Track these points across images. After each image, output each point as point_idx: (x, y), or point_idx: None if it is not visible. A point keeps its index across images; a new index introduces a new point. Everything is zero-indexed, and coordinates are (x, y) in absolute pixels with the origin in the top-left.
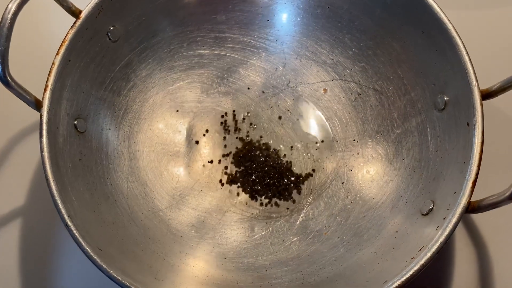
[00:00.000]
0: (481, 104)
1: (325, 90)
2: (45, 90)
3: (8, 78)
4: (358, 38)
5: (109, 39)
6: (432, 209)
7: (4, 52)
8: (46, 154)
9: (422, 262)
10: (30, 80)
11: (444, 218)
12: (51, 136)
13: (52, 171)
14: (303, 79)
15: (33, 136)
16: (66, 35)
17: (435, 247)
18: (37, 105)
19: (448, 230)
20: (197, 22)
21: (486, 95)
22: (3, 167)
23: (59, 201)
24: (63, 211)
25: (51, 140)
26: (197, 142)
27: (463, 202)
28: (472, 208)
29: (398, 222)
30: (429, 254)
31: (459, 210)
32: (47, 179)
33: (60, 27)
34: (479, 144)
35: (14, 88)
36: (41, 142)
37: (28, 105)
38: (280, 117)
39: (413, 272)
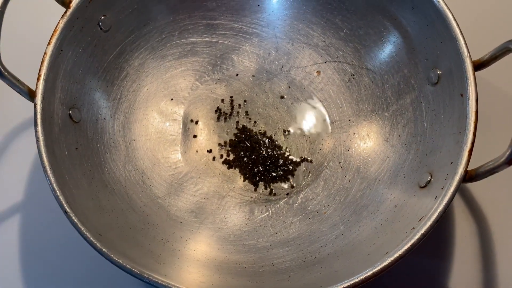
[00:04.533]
0: (474, 74)
1: (318, 72)
2: (38, 79)
3: (1, 68)
4: (349, 18)
5: (101, 28)
6: (430, 181)
7: None
8: (41, 143)
9: (422, 231)
10: (23, 71)
11: (442, 188)
12: (46, 125)
13: (49, 159)
14: (296, 62)
15: (29, 132)
16: (57, 25)
17: (435, 216)
18: (30, 95)
19: (446, 199)
20: (188, 9)
21: (478, 65)
22: (0, 162)
23: (56, 188)
24: (61, 197)
25: (46, 129)
26: (193, 130)
27: (460, 171)
28: (469, 176)
29: (397, 196)
30: (428, 223)
31: (456, 178)
32: (43, 167)
33: (51, 18)
34: (474, 113)
35: (7, 78)
36: (36, 131)
37: (22, 95)
38: (275, 101)
39: (414, 242)
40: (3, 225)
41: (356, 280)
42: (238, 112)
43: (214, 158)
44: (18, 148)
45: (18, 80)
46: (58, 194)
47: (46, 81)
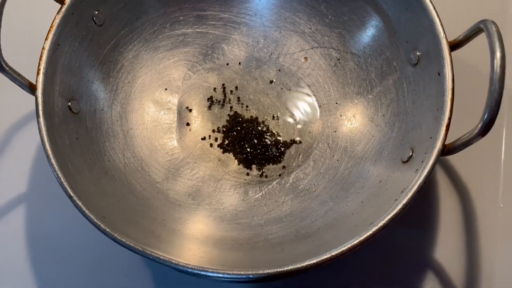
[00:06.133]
0: (450, 54)
1: (305, 58)
2: (37, 73)
3: (2, 63)
4: (333, 5)
5: (95, 23)
6: (411, 156)
7: None
8: (44, 133)
9: (404, 202)
10: (23, 66)
11: (422, 162)
12: (47, 116)
13: (51, 148)
14: (284, 49)
15: (29, 125)
16: (53, 21)
17: (415, 187)
18: (31, 88)
19: (426, 171)
20: (178, 2)
21: (454, 45)
22: (3, 156)
23: (60, 175)
24: (65, 183)
25: (47, 120)
26: (187, 118)
27: (438, 145)
28: (447, 150)
29: (382, 172)
30: (410, 194)
31: (435, 152)
32: (47, 156)
33: (48, 14)
34: (450, 91)
35: (8, 73)
36: (38, 122)
37: (23, 88)
38: (265, 87)
39: (396, 211)
40: (10, 214)
41: (344, 248)
42: (230, 99)
43: (211, 144)
44: (19, 141)
45: (19, 74)
46: (62, 180)
47: (45, 74)
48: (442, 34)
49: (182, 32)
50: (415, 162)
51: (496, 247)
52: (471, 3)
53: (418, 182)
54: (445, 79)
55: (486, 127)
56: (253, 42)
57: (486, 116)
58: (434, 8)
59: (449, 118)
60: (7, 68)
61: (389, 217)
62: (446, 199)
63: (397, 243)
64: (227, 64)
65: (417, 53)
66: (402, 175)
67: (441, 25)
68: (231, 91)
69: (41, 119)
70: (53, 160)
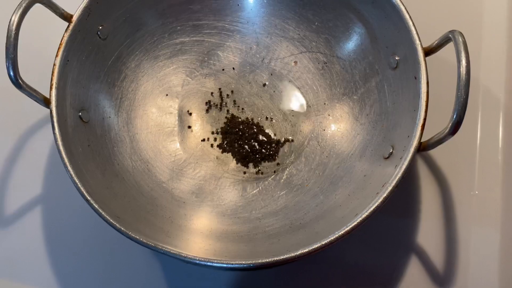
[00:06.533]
0: (425, 60)
1: (295, 62)
2: (51, 88)
3: (20, 81)
4: (319, 12)
5: (99, 37)
6: (392, 153)
7: (13, 59)
8: (60, 143)
9: (384, 195)
10: (35, 80)
11: (401, 158)
12: (62, 128)
13: (67, 156)
14: (275, 54)
15: (42, 131)
16: (62, 38)
17: (394, 182)
18: (45, 102)
19: (404, 166)
20: (175, 13)
21: (429, 51)
22: (18, 160)
23: (77, 181)
24: (82, 188)
25: (62, 131)
26: (188, 121)
27: (415, 143)
28: (423, 147)
29: (366, 167)
30: (389, 188)
31: (412, 149)
32: (64, 164)
33: (56, 31)
34: (425, 93)
35: (25, 90)
36: (54, 134)
37: (38, 103)
38: (259, 90)
39: (378, 204)
40: (27, 215)
41: (332, 238)
42: (226, 103)
43: (211, 145)
44: (33, 144)
45: (35, 91)
46: (80, 185)
47: (57, 89)
48: (417, 41)
49: (180, 41)
50: (395, 158)
51: (471, 230)
52: (447, 9)
53: (397, 177)
54: (420, 83)
55: (455, 127)
56: (246, 48)
57: (454, 118)
58: (410, 17)
59: (424, 119)
60: (25, 86)
61: (372, 209)
62: (427, 188)
63: (382, 230)
64: (223, 69)
65: (396, 58)
66: (384, 170)
67: (417, 33)
68: (227, 95)
69: (57, 131)
70: (69, 168)
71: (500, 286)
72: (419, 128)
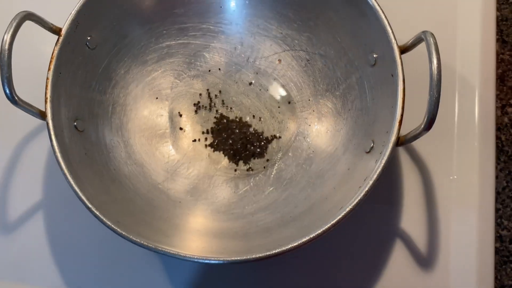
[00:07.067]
0: (400, 58)
1: (279, 60)
2: (46, 102)
3: (16, 98)
4: (299, 12)
5: (89, 47)
6: (372, 147)
7: (9, 78)
8: (59, 154)
9: (366, 189)
10: (28, 92)
11: (380, 153)
12: (59, 139)
13: (67, 166)
14: (260, 53)
15: (38, 137)
16: (53, 52)
17: (375, 176)
18: (41, 115)
19: (383, 161)
20: (160, 18)
21: (404, 50)
22: (16, 167)
23: (78, 190)
24: (83, 197)
25: (60, 143)
26: (178, 122)
27: (392, 138)
28: (401, 142)
29: (349, 161)
30: (370, 182)
31: (390, 145)
32: (64, 174)
33: (46, 44)
34: (402, 91)
35: (21, 105)
36: (52, 145)
37: (34, 116)
38: (246, 89)
39: (361, 197)
40: (29, 221)
41: (319, 231)
42: (215, 103)
43: (205, 145)
44: (30, 150)
45: (30, 105)
46: (80, 194)
47: (52, 102)
48: (393, 40)
49: (166, 45)
50: (375, 153)
51: (451, 213)
52: (416, 8)
53: (377, 172)
54: (397, 80)
55: (429, 123)
56: (231, 49)
57: (427, 115)
58: (386, 17)
59: (401, 115)
60: (20, 102)
61: (355, 202)
62: (408, 175)
63: (366, 217)
64: (209, 70)
65: (374, 55)
66: (366, 164)
67: (392, 33)
68: (216, 95)
69: (54, 143)
70: (70, 178)
71: (478, 264)
72: (397, 124)
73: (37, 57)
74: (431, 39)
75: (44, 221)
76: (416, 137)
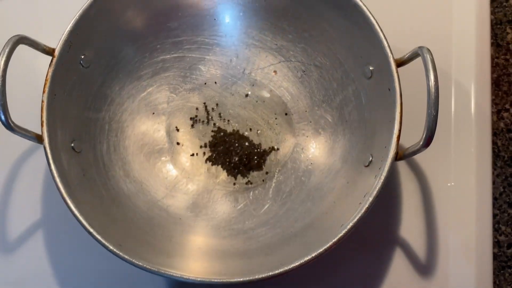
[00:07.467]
0: (397, 72)
1: (275, 72)
2: (42, 125)
3: (11, 124)
4: (294, 23)
5: (82, 66)
6: (371, 161)
7: (4, 105)
8: (58, 179)
9: (366, 206)
10: (24, 116)
11: (379, 168)
12: (57, 163)
13: (66, 191)
14: (255, 65)
15: (33, 155)
16: (47, 74)
17: (375, 192)
18: (38, 139)
19: (383, 178)
20: (153, 32)
21: (400, 63)
22: (14, 187)
23: (78, 215)
24: (84, 222)
25: (58, 166)
26: (176, 137)
27: (391, 155)
28: (399, 157)
29: (348, 174)
30: (370, 199)
31: (389, 160)
32: (64, 199)
33: (40, 63)
34: (399, 105)
35: (17, 131)
36: (51, 170)
37: (31, 140)
38: (242, 101)
39: (361, 215)
40: (29, 241)
41: (321, 250)
42: (212, 116)
43: (199, 159)
44: (27, 169)
45: (26, 130)
46: (81, 219)
47: (48, 125)
48: (389, 54)
49: (161, 59)
50: (374, 168)
51: (449, 220)
52: (413, 21)
53: (377, 188)
54: (395, 95)
55: (428, 141)
56: (226, 61)
57: (426, 133)
58: (381, 30)
59: (399, 130)
60: (16, 128)
61: (355, 220)
62: (406, 182)
63: (365, 224)
64: (205, 83)
65: (370, 68)
66: (365, 179)
67: (388, 46)
68: (213, 108)
69: (53, 167)
70: (69, 202)
71: (477, 270)
72: (395, 140)
73: (31, 78)
74: (428, 55)
75: (44, 241)
76: (414, 153)
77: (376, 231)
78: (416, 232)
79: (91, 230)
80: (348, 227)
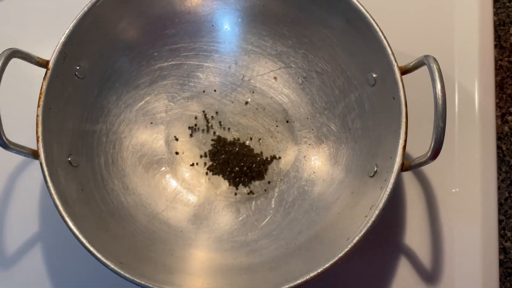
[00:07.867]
0: (402, 80)
1: (275, 78)
2: (37, 141)
3: (6, 142)
4: (294, 29)
5: (78, 77)
6: (376, 171)
7: None
8: (55, 197)
9: (373, 219)
10: (18, 131)
11: (385, 180)
12: (54, 179)
13: (64, 209)
14: (255, 71)
15: (29, 168)
16: (42, 87)
17: (381, 205)
18: (34, 155)
19: (388, 190)
20: (150, 40)
21: (405, 71)
22: (10, 200)
23: (78, 233)
24: (84, 240)
25: (55, 183)
26: (175, 147)
27: (397, 166)
28: (405, 168)
29: (353, 184)
30: (377, 212)
31: (394, 173)
32: (62, 218)
33: (34, 76)
34: (404, 114)
35: (13, 148)
36: (48, 187)
37: (27, 157)
38: (242, 108)
39: (367, 228)
40: (27, 254)
41: (327, 265)
42: (212, 124)
43: (199, 169)
44: (22, 184)
45: (21, 147)
46: (81, 238)
47: (44, 140)
48: (394, 62)
49: (158, 67)
50: (380, 179)
51: (454, 227)
52: (417, 27)
53: (383, 201)
54: (400, 104)
55: (436, 153)
56: (225, 68)
57: (433, 145)
58: (385, 37)
59: (405, 140)
60: (11, 146)
61: (361, 234)
62: (410, 188)
63: (370, 234)
64: (204, 91)
65: (373, 75)
66: (370, 190)
67: (392, 53)
68: (212, 117)
69: (50, 184)
70: (68, 221)
71: (483, 277)
72: (401, 150)
73: (25, 90)
74: (434, 65)
75: (43, 255)
76: (421, 164)
77: (380, 238)
78: (421, 239)
79: (91, 248)
80: (355, 241)
